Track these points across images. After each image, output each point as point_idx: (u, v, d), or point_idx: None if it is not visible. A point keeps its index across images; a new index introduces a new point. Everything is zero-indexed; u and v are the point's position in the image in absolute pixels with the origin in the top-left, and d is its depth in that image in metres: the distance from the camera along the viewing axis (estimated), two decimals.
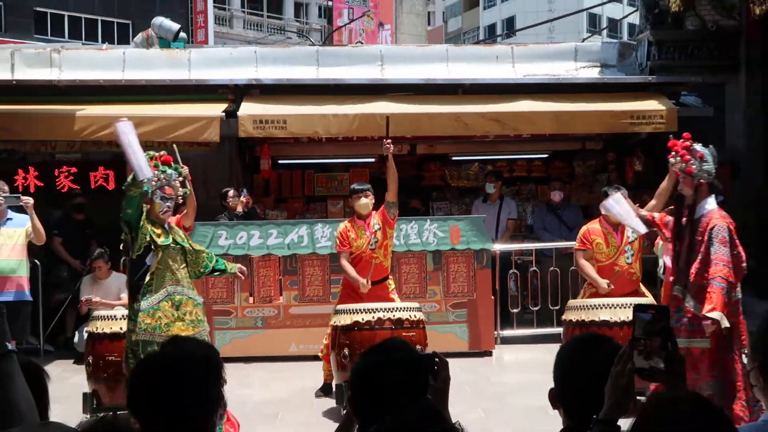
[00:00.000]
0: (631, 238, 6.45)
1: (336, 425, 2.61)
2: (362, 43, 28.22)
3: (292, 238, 8.54)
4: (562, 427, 2.27)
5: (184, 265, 5.64)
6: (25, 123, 9.35)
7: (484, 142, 11.15)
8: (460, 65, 10.94)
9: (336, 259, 8.30)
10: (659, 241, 6.48)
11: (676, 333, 3.04)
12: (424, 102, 9.92)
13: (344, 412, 2.83)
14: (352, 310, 6.36)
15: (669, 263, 5.70)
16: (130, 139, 5.31)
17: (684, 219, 5.34)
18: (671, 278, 5.50)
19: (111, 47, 13.25)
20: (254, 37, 35.12)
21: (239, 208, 9.36)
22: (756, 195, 10.58)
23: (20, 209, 7.16)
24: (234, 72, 10.55)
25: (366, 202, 6.92)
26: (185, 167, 5.77)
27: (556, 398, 2.30)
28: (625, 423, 1.87)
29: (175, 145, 6.90)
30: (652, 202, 5.89)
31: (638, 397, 1.96)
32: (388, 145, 6.77)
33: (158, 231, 5.53)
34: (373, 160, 11.40)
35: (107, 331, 6.23)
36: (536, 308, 9.31)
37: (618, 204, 5.94)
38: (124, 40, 25.84)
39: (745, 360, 4.96)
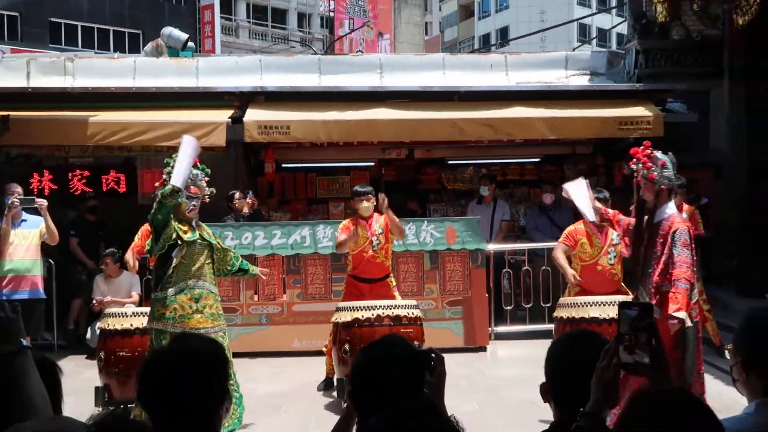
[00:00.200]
0: (615, 240, 6.45)
1: (337, 418, 2.61)
2: (362, 52, 28.20)
3: (295, 239, 8.54)
4: (552, 419, 2.27)
5: (209, 261, 5.64)
6: (40, 128, 9.34)
7: (479, 146, 11.15)
8: (455, 73, 10.95)
9: (338, 259, 8.35)
10: None
11: None
12: (421, 108, 9.92)
13: (345, 405, 2.83)
14: (353, 307, 6.35)
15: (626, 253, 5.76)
16: (186, 151, 5.44)
17: (645, 222, 5.33)
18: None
19: (122, 56, 13.27)
20: (259, 46, 35.11)
21: (245, 210, 9.36)
22: (738, 197, 10.59)
23: (34, 211, 7.15)
24: (240, 80, 10.55)
25: (367, 205, 6.91)
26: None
27: (547, 392, 2.30)
28: None
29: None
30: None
31: None
32: (382, 201, 6.71)
33: (184, 228, 5.54)
34: (372, 164, 11.40)
35: (118, 327, 6.22)
36: (528, 305, 9.30)
37: (578, 189, 6.01)
38: (134, 49, 25.90)
39: (685, 359, 4.97)
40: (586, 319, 5.99)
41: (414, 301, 6.74)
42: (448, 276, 8.63)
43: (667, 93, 10.59)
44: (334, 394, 6.64)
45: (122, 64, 11.00)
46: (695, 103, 10.88)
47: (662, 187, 5.25)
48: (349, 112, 9.67)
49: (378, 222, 6.93)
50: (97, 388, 6.16)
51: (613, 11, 39.73)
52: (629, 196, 6.03)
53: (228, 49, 31.58)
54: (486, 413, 6.14)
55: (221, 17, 33.16)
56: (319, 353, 7.31)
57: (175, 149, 5.63)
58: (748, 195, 10.44)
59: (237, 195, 9.31)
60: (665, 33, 10.98)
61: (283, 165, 11.56)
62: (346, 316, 6.31)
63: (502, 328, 9.16)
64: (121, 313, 6.38)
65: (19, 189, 7.19)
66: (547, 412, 2.31)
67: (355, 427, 2.38)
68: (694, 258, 5.26)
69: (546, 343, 2.57)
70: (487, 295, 8.73)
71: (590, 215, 5.97)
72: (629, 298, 6.27)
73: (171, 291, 5.42)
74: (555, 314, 6.54)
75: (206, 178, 5.77)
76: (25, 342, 2.06)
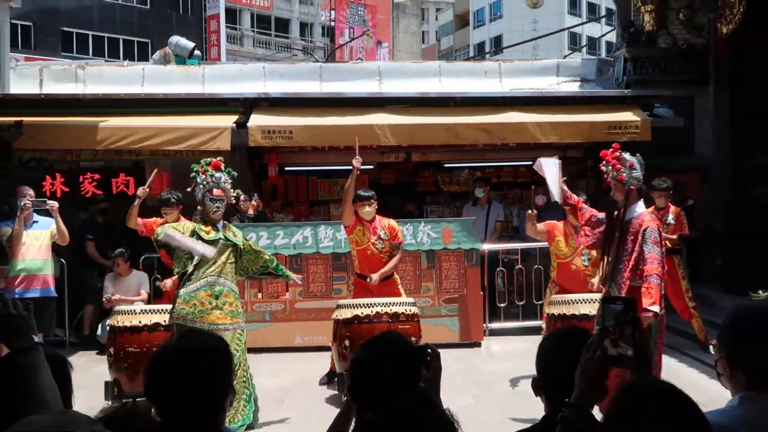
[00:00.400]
0: None
1: (337, 411, 2.61)
2: (362, 60, 28.22)
3: (297, 239, 8.53)
4: (544, 412, 2.27)
5: (232, 260, 5.62)
6: (52, 133, 9.34)
7: (474, 150, 11.14)
8: (451, 80, 10.96)
9: (338, 258, 8.35)
10: None
11: None
12: (418, 114, 9.93)
13: (345, 399, 2.82)
14: (353, 304, 6.35)
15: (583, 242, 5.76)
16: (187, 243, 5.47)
17: (615, 219, 5.32)
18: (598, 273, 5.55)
19: (131, 64, 13.27)
20: (263, 54, 35.14)
21: (250, 212, 9.35)
22: (723, 200, 10.58)
23: (46, 212, 7.14)
24: (244, 86, 10.56)
25: (370, 210, 6.88)
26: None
27: (538, 386, 2.29)
28: None
29: (156, 170, 7.32)
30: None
31: None
32: (356, 162, 6.68)
33: (207, 228, 5.56)
34: (372, 167, 11.39)
35: (127, 324, 6.20)
36: (521, 303, 9.29)
37: (551, 167, 5.96)
38: (143, 57, 25.90)
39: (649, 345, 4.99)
40: (577, 315, 5.99)
41: (411, 299, 6.73)
42: (444, 274, 8.63)
43: (654, 99, 10.59)
44: (335, 388, 6.62)
45: (131, 71, 11.00)
46: (681, 109, 10.88)
47: (632, 187, 5.26)
48: (349, 118, 9.67)
49: (383, 228, 6.89)
50: (107, 383, 6.15)
51: (603, 20, 39.80)
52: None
53: (233, 57, 31.58)
54: (481, 407, 6.13)
55: (226, 27, 33.18)
56: (319, 349, 7.30)
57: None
58: (732, 200, 10.42)
59: (242, 197, 9.29)
60: (652, 41, 11.00)
61: (286, 168, 11.55)
62: (346, 313, 6.30)
63: (496, 325, 9.16)
64: (130, 311, 6.37)
65: (31, 191, 7.18)
66: (539, 406, 2.31)
67: (353, 420, 2.38)
68: (664, 254, 5.28)
69: (538, 339, 2.57)
70: (481, 292, 8.72)
71: (556, 194, 5.88)
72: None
73: (193, 287, 5.43)
74: (546, 311, 6.55)
75: (230, 180, 5.75)
76: (37, 339, 2.06)
